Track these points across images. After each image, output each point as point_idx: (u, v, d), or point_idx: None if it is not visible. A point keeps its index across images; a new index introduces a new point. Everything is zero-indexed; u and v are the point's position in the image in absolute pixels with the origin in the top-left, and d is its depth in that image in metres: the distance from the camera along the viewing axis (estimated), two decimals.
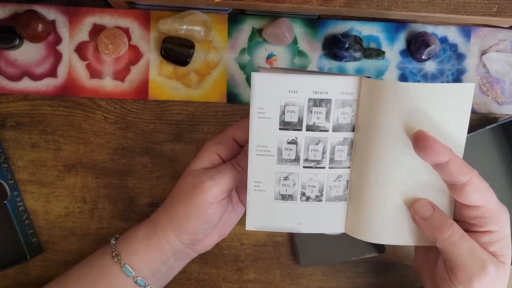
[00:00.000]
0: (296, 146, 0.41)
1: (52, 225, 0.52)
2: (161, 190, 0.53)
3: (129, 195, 0.53)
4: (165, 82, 0.53)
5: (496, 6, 0.47)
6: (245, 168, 0.42)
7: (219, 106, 0.53)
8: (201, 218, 0.43)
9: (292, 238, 0.53)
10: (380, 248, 0.52)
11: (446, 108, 0.38)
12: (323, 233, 0.52)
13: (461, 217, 0.39)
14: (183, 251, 0.46)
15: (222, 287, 0.53)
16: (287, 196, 0.42)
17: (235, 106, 0.53)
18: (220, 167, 0.43)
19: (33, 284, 0.52)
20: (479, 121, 0.54)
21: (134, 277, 0.44)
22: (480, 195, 0.37)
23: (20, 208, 0.51)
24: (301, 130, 0.41)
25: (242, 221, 0.53)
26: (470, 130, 0.51)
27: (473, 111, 0.54)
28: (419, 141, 0.37)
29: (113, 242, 0.46)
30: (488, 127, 0.50)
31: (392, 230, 0.41)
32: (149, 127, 0.53)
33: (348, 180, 0.42)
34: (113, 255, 0.45)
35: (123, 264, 0.44)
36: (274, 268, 0.53)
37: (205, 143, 0.46)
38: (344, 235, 0.52)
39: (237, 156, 0.44)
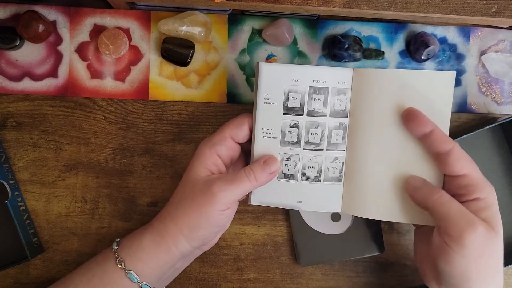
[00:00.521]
0: (298, 129, 0.45)
1: (53, 225, 0.53)
2: (161, 190, 0.53)
3: (130, 195, 0.53)
4: (165, 83, 0.53)
5: (495, 7, 0.47)
6: (260, 181, 0.43)
7: (219, 106, 0.54)
8: (214, 224, 0.44)
9: (292, 238, 0.53)
10: (379, 247, 0.52)
11: (429, 93, 0.42)
12: (323, 233, 0.52)
13: (450, 190, 0.41)
14: (192, 253, 0.47)
15: (222, 287, 0.53)
16: (289, 176, 0.46)
17: (235, 106, 0.54)
18: (232, 176, 0.43)
19: (34, 283, 0.52)
20: (478, 121, 0.54)
21: (139, 282, 0.44)
22: (464, 164, 0.40)
23: (21, 208, 0.51)
24: (302, 115, 0.45)
25: (242, 220, 0.53)
26: (469, 130, 0.52)
27: (472, 111, 0.54)
28: (408, 115, 0.42)
29: (115, 247, 0.46)
30: (487, 127, 0.50)
31: (384, 207, 0.44)
32: (150, 127, 0.53)
33: (343, 162, 0.46)
34: (117, 261, 0.44)
35: (128, 270, 0.44)
36: (274, 267, 0.53)
37: (200, 146, 0.45)
38: (343, 235, 0.53)
39: (253, 166, 0.44)
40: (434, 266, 0.42)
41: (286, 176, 0.46)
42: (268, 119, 0.45)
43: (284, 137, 0.45)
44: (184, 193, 0.44)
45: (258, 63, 0.45)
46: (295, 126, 0.45)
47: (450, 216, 0.39)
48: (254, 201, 0.47)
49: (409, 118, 0.42)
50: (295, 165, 0.45)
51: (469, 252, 0.38)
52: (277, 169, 0.45)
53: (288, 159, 0.45)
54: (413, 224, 0.49)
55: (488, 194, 0.40)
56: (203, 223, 0.43)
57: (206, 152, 0.44)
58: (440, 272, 0.40)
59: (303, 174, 0.45)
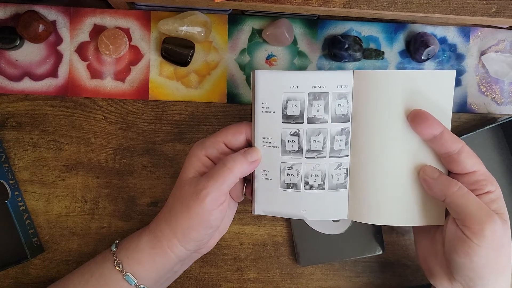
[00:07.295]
0: (299, 138, 0.44)
1: (53, 225, 0.53)
2: (161, 190, 0.53)
3: (130, 195, 0.53)
4: (165, 83, 0.53)
5: (495, 7, 0.48)
6: (241, 169, 0.42)
7: (219, 106, 0.54)
8: (205, 225, 0.43)
9: (291, 238, 0.53)
10: (379, 247, 0.52)
11: (430, 93, 0.42)
12: (323, 233, 0.52)
13: None
14: (189, 257, 0.47)
15: (222, 287, 0.53)
16: (291, 185, 0.44)
17: (235, 106, 0.54)
18: (210, 172, 0.42)
19: (34, 283, 0.52)
20: (478, 121, 0.54)
21: (136, 285, 0.44)
22: (474, 160, 0.41)
23: (21, 208, 0.51)
24: (302, 122, 0.43)
25: (242, 220, 0.53)
26: (469, 130, 0.52)
27: (472, 111, 0.54)
28: (416, 117, 0.41)
29: (114, 249, 0.46)
30: (487, 127, 0.50)
31: (392, 211, 0.44)
32: (150, 127, 0.53)
33: (347, 168, 0.44)
34: (115, 263, 0.44)
35: (125, 272, 0.44)
36: (274, 267, 0.54)
37: (193, 147, 0.45)
38: (343, 235, 0.53)
39: (233, 155, 0.43)
40: (444, 262, 0.42)
41: (289, 186, 0.44)
42: (267, 128, 0.44)
43: (285, 146, 0.44)
44: (175, 195, 0.44)
45: (253, 71, 0.43)
46: (296, 134, 0.43)
47: (469, 208, 0.39)
48: (258, 211, 0.46)
49: (417, 120, 0.41)
50: (298, 174, 0.44)
51: (489, 243, 0.38)
52: (258, 159, 0.43)
53: (290, 168, 0.44)
54: None
55: (496, 187, 0.41)
56: (194, 224, 0.42)
57: (197, 153, 0.44)
58: (457, 266, 0.40)
59: (306, 183, 0.44)
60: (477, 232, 0.38)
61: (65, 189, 0.53)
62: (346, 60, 0.52)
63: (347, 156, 0.44)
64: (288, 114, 0.43)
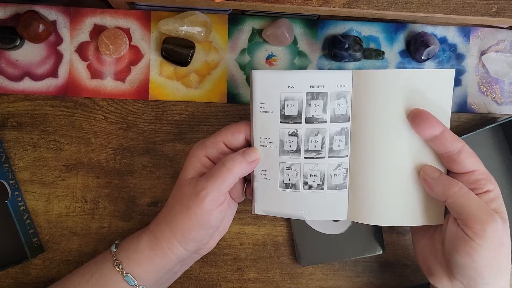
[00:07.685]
0: (297, 138, 0.43)
1: (53, 225, 0.53)
2: (161, 190, 0.53)
3: (130, 195, 0.53)
4: (165, 83, 0.53)
5: (495, 7, 0.48)
6: (240, 169, 0.42)
7: (219, 106, 0.54)
8: (204, 226, 0.43)
9: (292, 238, 0.53)
10: (379, 247, 0.52)
11: (430, 92, 0.42)
12: (323, 233, 0.52)
13: None
14: (189, 258, 0.47)
15: (222, 287, 0.53)
16: (290, 185, 0.44)
17: (235, 106, 0.54)
18: (209, 173, 0.42)
19: (34, 283, 0.52)
20: (478, 121, 0.54)
21: (136, 285, 0.44)
22: (474, 159, 0.41)
23: (21, 208, 0.51)
24: (300, 122, 0.43)
25: (242, 220, 0.53)
26: (469, 130, 0.52)
27: (472, 111, 0.54)
28: (417, 117, 0.41)
29: (114, 250, 0.46)
30: (487, 127, 0.50)
31: (391, 211, 0.43)
32: (150, 127, 0.53)
33: (347, 169, 0.44)
34: (115, 264, 0.44)
35: (125, 273, 0.44)
36: (274, 267, 0.54)
37: (193, 147, 0.45)
38: (343, 235, 0.53)
39: (232, 155, 0.43)
40: (443, 261, 0.42)
41: (288, 186, 0.44)
42: (266, 128, 0.44)
43: (283, 146, 0.43)
44: (175, 196, 0.44)
45: (251, 71, 0.43)
46: (294, 134, 0.43)
47: (471, 208, 0.39)
48: (258, 210, 0.46)
49: (417, 120, 0.41)
50: (296, 174, 0.44)
51: (491, 243, 0.38)
52: (257, 158, 0.43)
53: (288, 168, 0.44)
54: None
55: (495, 186, 0.41)
56: (193, 225, 0.42)
57: (197, 153, 0.44)
58: (458, 266, 0.40)
59: (305, 183, 0.44)
60: (479, 233, 0.38)
61: (65, 189, 0.53)
62: (346, 60, 0.52)
63: (347, 156, 0.44)
64: (286, 114, 0.43)
